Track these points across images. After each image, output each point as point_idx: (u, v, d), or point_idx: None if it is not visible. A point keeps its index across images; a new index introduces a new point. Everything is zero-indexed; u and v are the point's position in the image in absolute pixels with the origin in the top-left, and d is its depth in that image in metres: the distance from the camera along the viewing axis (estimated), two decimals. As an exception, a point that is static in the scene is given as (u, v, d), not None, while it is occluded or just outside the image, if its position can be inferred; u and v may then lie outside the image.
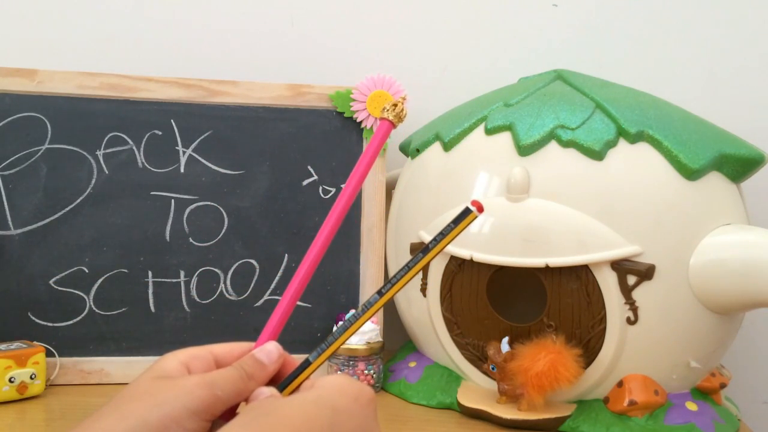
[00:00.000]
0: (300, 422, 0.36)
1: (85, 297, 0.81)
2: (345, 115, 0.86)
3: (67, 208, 0.81)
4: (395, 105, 0.50)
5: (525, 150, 0.68)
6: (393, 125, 0.50)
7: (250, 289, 0.84)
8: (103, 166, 0.82)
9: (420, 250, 0.45)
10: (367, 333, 0.77)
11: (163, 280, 0.82)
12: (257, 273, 0.84)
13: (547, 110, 0.70)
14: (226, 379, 0.39)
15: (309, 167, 0.85)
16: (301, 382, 0.42)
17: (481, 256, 0.69)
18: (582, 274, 0.66)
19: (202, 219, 0.83)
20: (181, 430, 0.36)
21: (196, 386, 0.38)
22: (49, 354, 0.77)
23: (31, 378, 0.73)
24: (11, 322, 0.79)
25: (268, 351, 0.43)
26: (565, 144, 0.67)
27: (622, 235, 0.65)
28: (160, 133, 0.83)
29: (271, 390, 0.41)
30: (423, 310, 0.76)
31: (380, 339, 0.79)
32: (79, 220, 0.81)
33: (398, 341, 0.89)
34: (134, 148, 0.82)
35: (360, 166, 0.48)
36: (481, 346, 0.72)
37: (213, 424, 0.39)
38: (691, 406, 0.68)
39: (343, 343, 0.44)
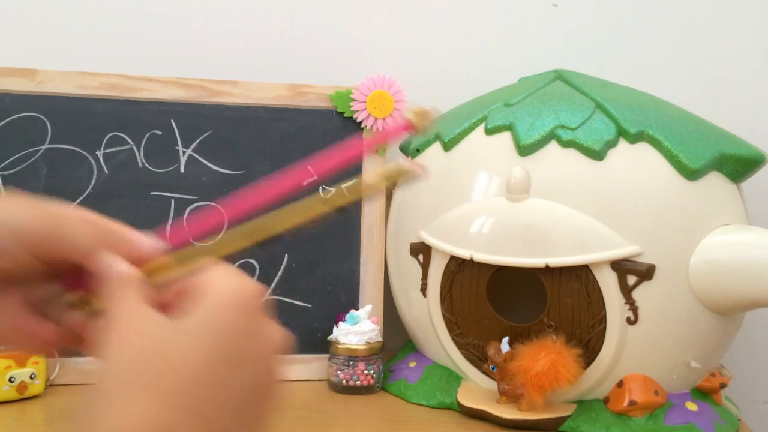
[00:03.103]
0: (192, 375, 0.29)
1: (85, 297, 0.81)
2: (345, 115, 0.86)
3: (67, 208, 0.81)
4: (427, 114, 0.43)
5: (525, 150, 0.68)
6: (411, 129, 0.43)
7: (250, 289, 0.84)
8: (103, 166, 0.82)
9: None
10: (367, 333, 0.77)
11: (163, 280, 0.82)
12: (257, 273, 0.84)
13: (547, 110, 0.70)
14: (70, 218, 0.33)
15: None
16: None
17: (481, 256, 0.69)
18: (582, 274, 0.66)
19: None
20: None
21: (29, 205, 0.32)
22: (49, 354, 0.77)
23: (31, 378, 0.73)
24: (11, 322, 0.79)
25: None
26: (565, 144, 0.67)
27: (622, 235, 0.65)
28: (160, 133, 0.83)
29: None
30: (423, 310, 0.76)
31: (380, 339, 0.79)
32: (79, 220, 0.81)
33: (398, 341, 0.89)
34: (134, 148, 0.82)
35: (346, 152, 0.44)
36: (481, 346, 0.72)
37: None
38: (691, 406, 0.68)
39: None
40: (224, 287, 0.32)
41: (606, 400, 0.69)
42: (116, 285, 0.33)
